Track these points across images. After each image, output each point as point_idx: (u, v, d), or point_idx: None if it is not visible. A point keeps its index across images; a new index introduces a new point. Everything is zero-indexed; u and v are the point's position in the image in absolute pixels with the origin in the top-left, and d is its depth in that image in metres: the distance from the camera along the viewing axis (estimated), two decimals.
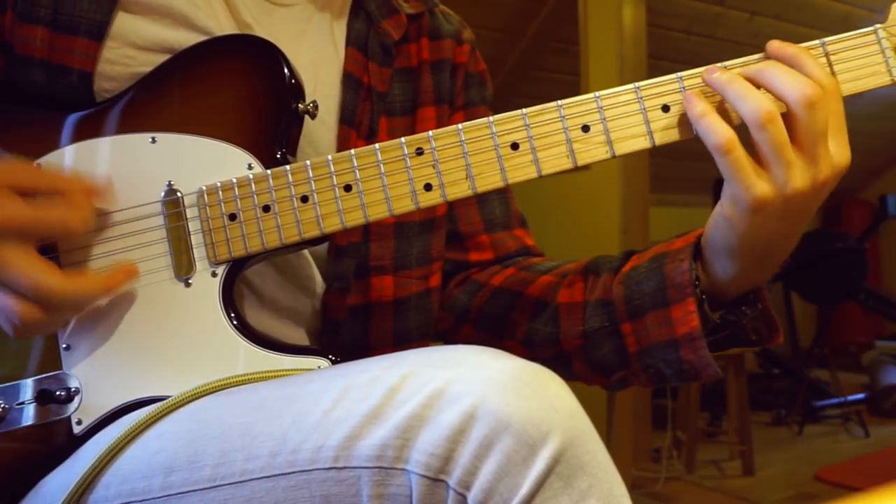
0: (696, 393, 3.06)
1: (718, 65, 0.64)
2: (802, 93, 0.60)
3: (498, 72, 3.93)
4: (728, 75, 0.63)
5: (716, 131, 0.61)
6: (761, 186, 0.61)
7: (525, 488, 0.48)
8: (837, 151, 0.62)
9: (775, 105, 0.61)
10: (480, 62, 0.95)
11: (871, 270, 4.52)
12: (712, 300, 0.72)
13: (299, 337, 0.80)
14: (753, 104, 0.60)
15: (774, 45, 0.65)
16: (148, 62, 0.72)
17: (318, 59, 0.81)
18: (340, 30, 0.84)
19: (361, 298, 0.81)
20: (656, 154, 3.07)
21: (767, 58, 0.65)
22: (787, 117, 0.61)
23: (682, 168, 4.00)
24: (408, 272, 0.84)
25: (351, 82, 0.81)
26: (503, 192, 0.93)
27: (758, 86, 0.62)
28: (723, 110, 0.64)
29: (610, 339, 0.75)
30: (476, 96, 0.93)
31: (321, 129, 0.79)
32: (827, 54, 0.65)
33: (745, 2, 3.76)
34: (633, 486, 2.79)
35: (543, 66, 3.95)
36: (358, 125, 0.81)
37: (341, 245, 0.79)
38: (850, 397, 3.78)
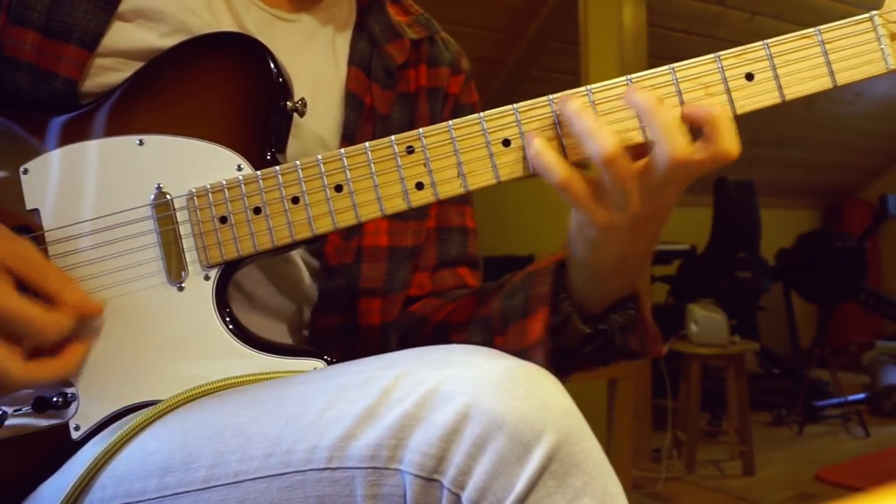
0: (696, 393, 3.06)
1: (582, 88, 0.62)
2: (673, 150, 0.58)
3: (498, 72, 3.93)
4: (578, 107, 0.60)
5: (554, 170, 0.61)
6: (601, 213, 0.62)
7: (519, 487, 0.48)
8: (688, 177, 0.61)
9: (619, 143, 0.59)
10: (473, 93, 0.94)
11: (871, 270, 4.52)
12: (585, 314, 0.73)
13: (289, 339, 0.80)
14: (596, 146, 0.59)
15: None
16: None
17: (319, 75, 0.81)
18: (343, 48, 0.84)
19: (349, 320, 0.81)
20: None
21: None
22: (646, 147, 0.60)
23: None
24: (393, 296, 0.84)
25: (353, 102, 0.81)
26: (464, 234, 0.92)
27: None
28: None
29: None
30: None
31: (319, 147, 0.79)
32: (822, 42, 0.63)
33: (745, 2, 3.77)
34: (633, 486, 2.79)
35: (543, 66, 3.95)
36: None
37: (333, 265, 0.79)
38: (851, 397, 3.78)
